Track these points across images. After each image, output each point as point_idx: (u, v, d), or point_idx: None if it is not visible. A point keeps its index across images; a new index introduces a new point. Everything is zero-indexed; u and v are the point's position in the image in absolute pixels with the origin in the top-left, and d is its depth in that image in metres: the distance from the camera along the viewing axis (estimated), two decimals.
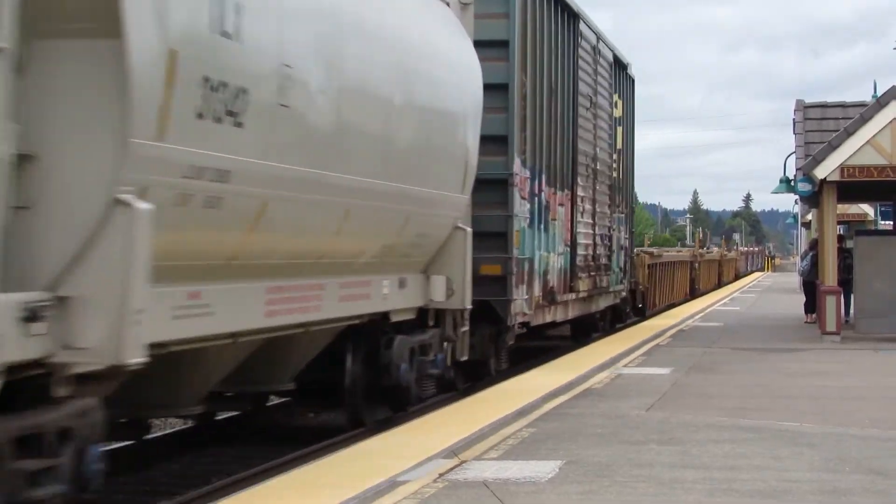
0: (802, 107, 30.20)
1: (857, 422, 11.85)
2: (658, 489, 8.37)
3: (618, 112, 26.42)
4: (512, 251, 16.68)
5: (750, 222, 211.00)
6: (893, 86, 22.25)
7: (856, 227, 37.26)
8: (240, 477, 10.80)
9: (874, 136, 21.62)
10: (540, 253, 18.41)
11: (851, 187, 23.57)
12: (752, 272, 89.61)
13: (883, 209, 40.38)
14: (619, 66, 26.86)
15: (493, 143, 16.30)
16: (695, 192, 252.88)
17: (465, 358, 14.97)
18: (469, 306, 14.48)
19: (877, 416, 12.36)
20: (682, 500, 8.04)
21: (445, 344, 14.57)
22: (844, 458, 9.69)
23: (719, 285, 57.88)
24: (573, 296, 21.11)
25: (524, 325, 18.19)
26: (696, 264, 47.54)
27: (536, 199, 18.29)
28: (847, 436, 10.91)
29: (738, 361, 18.25)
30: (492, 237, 16.43)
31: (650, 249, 39.60)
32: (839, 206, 26.14)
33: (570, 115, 21.08)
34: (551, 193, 19.46)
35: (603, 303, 24.86)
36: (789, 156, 39.30)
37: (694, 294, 45.14)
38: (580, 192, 21.67)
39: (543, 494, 8.16)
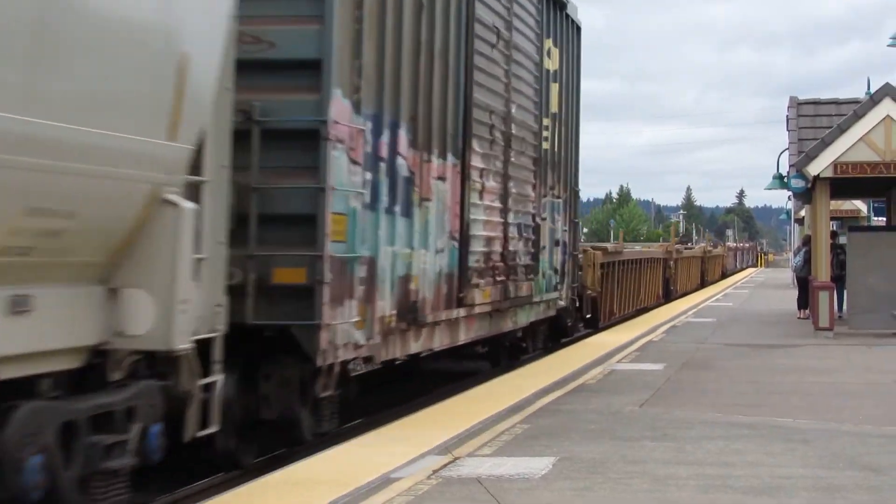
0: (796, 104, 30.33)
1: (850, 418, 11.87)
2: (652, 485, 8.37)
3: (552, 64, 19.79)
4: (324, 245, 10.56)
5: (743, 218, 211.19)
6: (887, 83, 22.32)
7: (849, 224, 37.30)
8: (233, 476, 10.77)
9: (867, 132, 21.69)
10: (393, 249, 12.41)
11: (844, 184, 23.62)
12: (743, 269, 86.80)
13: (876, 205, 40.37)
14: (555, 2, 20.06)
15: (298, 72, 10.76)
16: (688, 189, 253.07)
17: (212, 429, 8.93)
18: (180, 346, 8.19)
19: (870, 412, 12.38)
20: (675, 497, 8.04)
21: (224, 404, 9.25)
22: (838, 454, 9.69)
23: (702, 285, 51.75)
24: (463, 312, 14.87)
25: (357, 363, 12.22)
26: (671, 262, 40.59)
27: (386, 165, 12.16)
28: (840, 432, 10.92)
29: (732, 357, 18.27)
30: (293, 223, 10.64)
31: (603, 245, 31.04)
32: (832, 202, 26.18)
33: (460, 50, 14.74)
34: (419, 160, 13.28)
35: (525, 317, 18.58)
36: (783, 152, 39.43)
37: (669, 297, 39.27)
38: (477, 163, 15.32)
39: (537, 491, 8.16)
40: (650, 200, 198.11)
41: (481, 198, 15.65)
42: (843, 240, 26.38)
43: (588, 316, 24.76)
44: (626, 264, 30.23)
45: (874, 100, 22.05)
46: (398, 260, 12.61)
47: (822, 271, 22.99)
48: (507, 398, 12.90)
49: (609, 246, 29.90)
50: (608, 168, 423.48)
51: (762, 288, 49.48)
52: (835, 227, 33.25)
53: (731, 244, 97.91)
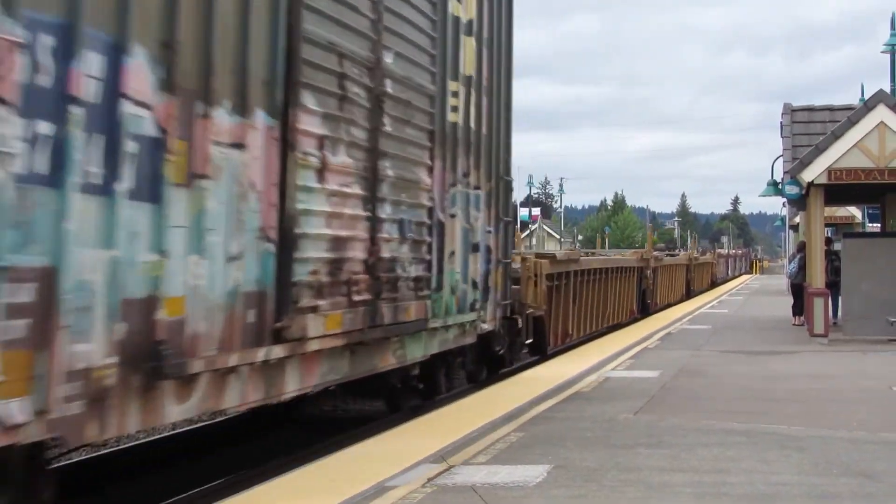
0: (790, 110, 30.37)
1: (845, 424, 11.86)
2: (647, 493, 8.36)
3: (464, 11, 15.02)
4: None
5: (738, 225, 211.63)
6: (881, 89, 22.41)
7: (843, 230, 37.38)
8: (225, 482, 10.75)
9: (861, 138, 21.73)
10: (112, 254, 7.68)
11: (839, 190, 23.66)
12: (735, 277, 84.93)
13: (870, 212, 40.49)
14: None
15: None
16: (683, 196, 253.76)
17: None
18: None
19: (865, 418, 12.37)
20: None
21: None
22: (833, 461, 9.69)
23: (688, 296, 46.87)
24: (283, 350, 9.86)
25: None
26: (649, 271, 35.23)
27: (88, 112, 7.41)
28: (835, 438, 10.92)
29: (727, 364, 18.27)
30: None
31: (550, 252, 25.74)
32: (826, 208, 26.21)
33: None
34: (183, 113, 8.53)
35: (419, 349, 13.58)
36: (777, 159, 39.45)
37: (647, 311, 34.39)
38: (313, 127, 10.43)
39: (532, 499, 8.15)
40: (645, 207, 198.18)
41: (322, 179, 10.58)
42: (837, 246, 26.41)
43: (529, 341, 19.89)
44: (585, 275, 25.13)
45: (868, 106, 22.10)
46: (128, 272, 7.84)
47: (817, 278, 23.02)
48: (501, 406, 12.88)
49: (558, 253, 24.64)
50: (603, 174, 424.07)
51: (757, 295, 49.52)
52: (829, 234, 33.30)
53: (721, 251, 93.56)
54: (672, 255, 51.32)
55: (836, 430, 11.48)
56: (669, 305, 39.32)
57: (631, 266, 32.47)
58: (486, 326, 16.23)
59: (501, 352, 17.59)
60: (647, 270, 34.78)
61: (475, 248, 15.54)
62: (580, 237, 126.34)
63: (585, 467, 9.32)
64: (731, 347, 21.43)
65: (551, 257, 21.94)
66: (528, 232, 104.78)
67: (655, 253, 39.90)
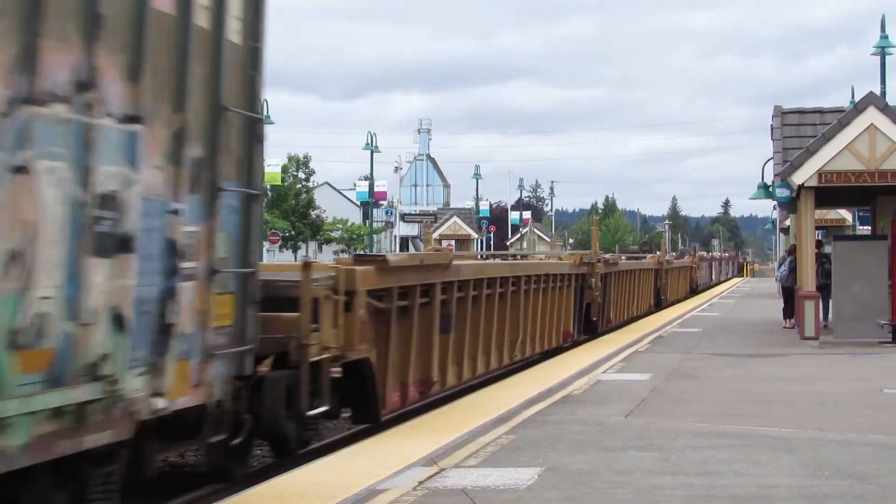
0: (780, 113, 30.40)
1: (835, 427, 11.88)
2: (637, 495, 8.37)
3: None
4: None
5: (729, 228, 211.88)
6: (871, 92, 22.47)
7: (834, 233, 37.45)
8: (218, 489, 10.73)
9: (852, 141, 21.77)
10: None
11: (829, 192, 23.70)
12: (722, 281, 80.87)
13: (861, 214, 40.54)
14: None
15: None
16: (673, 199, 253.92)
17: None
18: None
19: (855, 420, 12.40)
20: None
21: None
22: (823, 463, 9.70)
23: (657, 307, 38.98)
24: None
25: None
26: (594, 279, 25.81)
27: None
28: (825, 441, 10.93)
29: (717, 367, 18.28)
30: None
31: (379, 254, 14.69)
32: (817, 211, 26.27)
33: None
34: None
35: None
36: (767, 161, 39.46)
37: (594, 332, 26.41)
38: None
39: (523, 501, 8.15)
40: (636, 210, 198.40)
41: None
42: (828, 249, 26.44)
43: (323, 409, 11.17)
44: (469, 288, 16.15)
45: (858, 108, 22.14)
46: None
47: (808, 280, 23.05)
48: (492, 409, 12.88)
49: (393, 256, 14.30)
50: (594, 178, 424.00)
51: (748, 298, 49.60)
52: (820, 237, 33.34)
53: (703, 253, 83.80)
54: (639, 258, 42.59)
55: (826, 432, 11.50)
56: (634, 319, 32.36)
57: (563, 273, 23.21)
58: (164, 404, 8.42)
59: (235, 442, 9.98)
60: (591, 278, 25.68)
61: (123, 245, 7.93)
62: (571, 240, 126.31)
63: (576, 470, 9.32)
64: (721, 350, 21.44)
65: (380, 261, 13.25)
66: (518, 235, 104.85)
67: (607, 256, 30.95)
